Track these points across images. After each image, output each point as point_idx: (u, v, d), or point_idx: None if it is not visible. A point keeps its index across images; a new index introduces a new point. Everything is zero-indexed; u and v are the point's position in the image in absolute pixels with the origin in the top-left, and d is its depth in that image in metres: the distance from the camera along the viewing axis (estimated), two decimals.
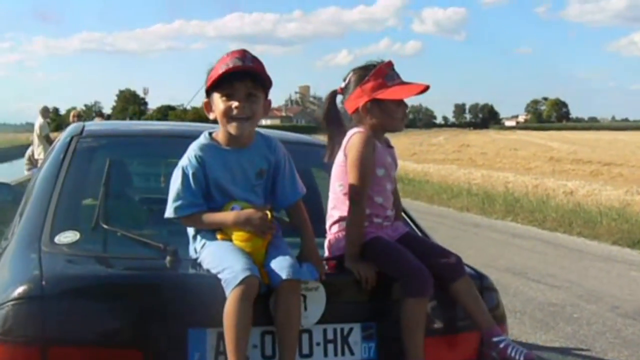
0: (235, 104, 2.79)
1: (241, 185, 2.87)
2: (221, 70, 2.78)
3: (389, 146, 3.30)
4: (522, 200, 17.14)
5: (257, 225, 2.73)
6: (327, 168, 3.32)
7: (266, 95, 2.90)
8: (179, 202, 2.81)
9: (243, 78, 2.80)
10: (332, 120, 3.29)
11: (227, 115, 2.81)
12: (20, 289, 2.47)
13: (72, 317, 2.47)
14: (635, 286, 8.93)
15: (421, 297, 2.86)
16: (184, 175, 2.81)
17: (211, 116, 2.90)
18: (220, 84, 2.81)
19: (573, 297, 8.20)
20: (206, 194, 2.84)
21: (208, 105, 2.91)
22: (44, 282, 2.49)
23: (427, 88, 3.18)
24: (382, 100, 3.14)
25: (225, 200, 2.84)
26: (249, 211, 2.76)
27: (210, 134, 2.92)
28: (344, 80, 3.26)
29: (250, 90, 2.82)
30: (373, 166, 3.11)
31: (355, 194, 3.07)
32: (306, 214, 3.00)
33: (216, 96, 2.84)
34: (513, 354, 2.88)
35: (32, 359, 2.44)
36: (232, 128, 2.82)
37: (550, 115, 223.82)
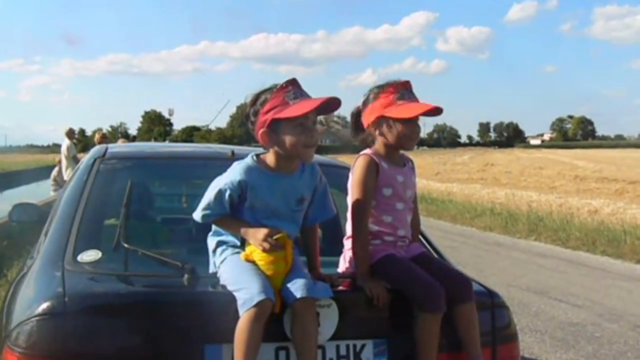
0: (312, 133, 2.88)
1: (279, 211, 2.93)
2: (301, 105, 2.83)
3: (404, 165, 3.33)
4: (546, 220, 17.06)
5: (262, 243, 2.78)
6: (344, 189, 3.40)
7: None
8: (207, 212, 2.91)
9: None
10: (360, 135, 3.35)
11: (304, 144, 2.87)
12: (44, 306, 2.56)
13: (93, 333, 2.55)
14: None
15: (435, 312, 2.91)
16: (220, 192, 2.88)
17: (270, 146, 2.91)
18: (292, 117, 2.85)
19: (594, 316, 8.17)
20: (238, 210, 2.91)
21: (267, 135, 2.90)
22: (66, 299, 2.57)
23: (436, 109, 3.20)
24: (390, 118, 3.20)
25: (255, 220, 2.89)
26: (264, 229, 2.82)
27: (257, 156, 2.98)
28: (365, 96, 3.32)
29: (314, 119, 2.92)
30: (373, 188, 3.17)
31: (353, 215, 3.16)
32: (318, 234, 3.11)
33: (288, 127, 2.85)
34: None
35: None
36: (307, 156, 2.91)
37: (576, 134, 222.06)
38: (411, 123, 3.21)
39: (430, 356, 2.92)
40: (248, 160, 2.96)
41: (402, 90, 3.23)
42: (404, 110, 3.18)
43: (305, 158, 2.93)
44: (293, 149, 2.87)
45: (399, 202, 3.26)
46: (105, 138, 15.69)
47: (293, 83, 2.91)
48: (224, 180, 2.90)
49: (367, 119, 3.27)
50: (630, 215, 17.68)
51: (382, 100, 3.21)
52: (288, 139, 2.85)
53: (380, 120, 3.21)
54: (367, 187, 3.15)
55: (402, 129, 3.20)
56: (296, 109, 2.83)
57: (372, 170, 3.17)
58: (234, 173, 2.91)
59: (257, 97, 2.95)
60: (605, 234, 14.45)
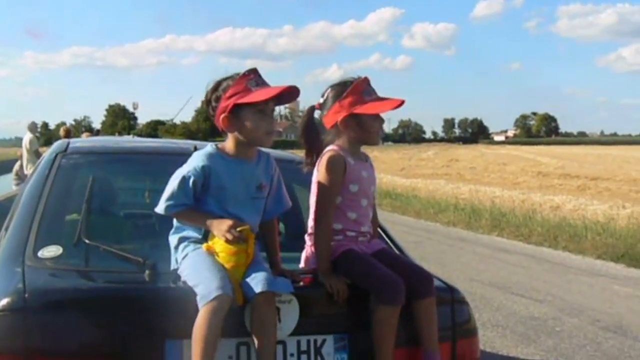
0: (271, 120, 2.96)
1: (240, 197, 2.97)
2: (263, 91, 2.91)
3: (366, 160, 3.37)
4: (509, 215, 17.21)
5: (225, 234, 2.80)
6: (307, 184, 3.41)
7: None
8: (171, 202, 2.91)
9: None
10: (310, 135, 3.36)
11: (265, 130, 2.94)
12: (4, 302, 2.55)
13: (54, 329, 2.55)
14: (617, 299, 9.03)
15: (393, 305, 2.94)
16: (184, 179, 2.90)
17: (230, 130, 2.97)
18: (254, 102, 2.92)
19: (555, 310, 8.27)
20: (202, 200, 2.93)
21: (228, 120, 2.96)
22: (27, 295, 2.56)
23: (402, 103, 3.26)
24: (360, 115, 3.23)
25: (219, 209, 2.92)
26: (228, 221, 2.84)
27: (216, 145, 3.03)
28: (322, 96, 3.34)
29: (273, 108, 3.00)
30: (340, 185, 3.19)
31: (317, 211, 3.18)
32: (277, 228, 3.15)
33: (249, 112, 2.92)
34: None
35: None
36: (268, 142, 2.99)
37: (540, 130, 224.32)
38: (379, 118, 3.29)
39: (387, 350, 2.94)
40: (208, 148, 3.01)
41: (366, 87, 3.27)
42: (375, 107, 3.23)
43: (265, 144, 3.02)
44: (254, 134, 2.94)
45: (363, 198, 3.28)
46: (70, 133, 15.59)
47: (254, 72, 2.99)
48: (186, 168, 2.93)
49: (332, 119, 3.28)
50: (592, 211, 17.90)
51: (349, 99, 3.23)
52: (249, 124, 2.93)
53: (349, 119, 3.23)
54: (334, 183, 3.17)
55: (372, 125, 3.27)
56: (258, 95, 2.91)
57: (340, 166, 3.19)
58: (196, 160, 2.95)
59: (219, 83, 3.02)
60: (567, 229, 14.61)
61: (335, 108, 3.27)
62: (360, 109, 3.22)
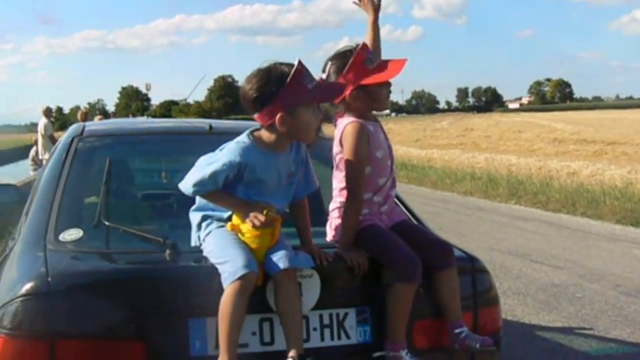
0: (319, 115, 2.99)
1: (272, 187, 2.95)
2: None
3: (376, 121, 3.32)
4: (526, 183, 17.19)
5: (252, 219, 2.78)
6: (323, 160, 3.41)
7: None
8: (198, 187, 2.88)
9: None
10: None
11: (315, 126, 2.97)
12: (27, 286, 2.57)
13: (77, 311, 2.57)
14: (637, 264, 9.01)
15: (410, 283, 2.93)
16: (216, 172, 2.85)
17: (282, 128, 2.86)
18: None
19: (576, 277, 8.26)
20: (230, 186, 2.90)
21: (285, 119, 2.86)
22: (50, 279, 2.58)
23: (405, 62, 3.24)
24: (367, 86, 3.19)
25: (248, 197, 2.90)
26: (255, 204, 2.84)
27: (252, 134, 2.97)
28: (323, 71, 3.27)
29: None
30: (369, 154, 3.17)
31: (352, 185, 3.14)
32: (307, 208, 3.12)
33: (307, 110, 2.90)
34: (471, 343, 2.99)
35: (40, 353, 2.54)
36: (315, 138, 3.03)
37: (554, 96, 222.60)
38: (387, 84, 3.26)
39: (400, 326, 2.94)
40: (245, 139, 2.94)
41: (367, 55, 3.23)
42: (382, 75, 3.20)
43: (313, 141, 3.06)
44: (308, 131, 2.95)
45: (389, 159, 3.27)
46: (87, 116, 15.59)
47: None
48: (222, 160, 2.87)
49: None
50: (609, 176, 17.87)
51: (352, 72, 3.19)
52: (304, 122, 2.92)
53: (357, 91, 3.20)
54: (362, 153, 3.14)
55: (380, 93, 3.24)
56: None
57: (364, 136, 3.15)
58: (232, 154, 2.88)
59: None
60: (585, 195, 14.57)
61: (341, 82, 3.22)
62: (367, 80, 3.19)
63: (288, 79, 2.83)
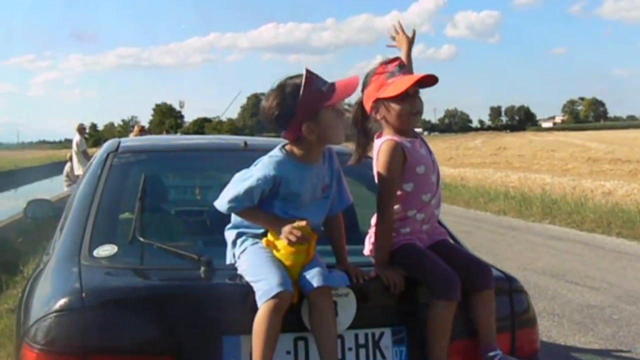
0: (344, 118, 3.00)
1: (307, 201, 2.93)
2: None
3: (416, 137, 3.22)
4: (560, 202, 17.02)
5: (288, 235, 2.77)
6: (354, 175, 3.37)
7: None
8: (234, 204, 2.88)
9: None
10: (359, 126, 3.29)
11: (341, 128, 2.97)
12: (61, 302, 2.56)
13: (111, 327, 2.56)
14: None
15: (450, 300, 2.89)
16: (251, 188, 2.85)
17: (311, 137, 2.88)
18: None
19: (612, 298, 8.14)
20: (266, 202, 2.90)
21: (310, 127, 2.87)
22: (84, 295, 2.57)
23: (429, 77, 3.11)
24: (386, 99, 3.12)
25: (284, 212, 2.89)
26: (291, 221, 2.81)
27: (284, 147, 2.97)
28: (363, 84, 3.22)
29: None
30: (408, 170, 3.10)
31: (380, 205, 3.12)
32: (342, 224, 3.09)
33: (328, 112, 2.88)
34: None
35: None
36: (343, 139, 3.03)
37: (588, 115, 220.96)
38: (409, 98, 3.11)
39: (441, 345, 2.90)
40: (278, 153, 2.94)
41: (392, 68, 3.15)
42: (394, 88, 3.09)
43: (341, 143, 3.06)
44: (337, 135, 2.94)
45: (432, 174, 3.19)
46: (144, 129, 15.36)
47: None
48: (256, 175, 2.87)
49: (367, 106, 3.21)
50: None
51: (374, 84, 3.15)
52: (330, 126, 2.90)
53: (378, 104, 3.15)
54: (394, 173, 3.09)
55: (399, 107, 3.11)
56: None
57: (398, 154, 3.09)
58: (267, 168, 2.87)
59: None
60: (620, 215, 14.40)
61: (365, 96, 3.20)
62: (382, 93, 3.13)
63: (301, 89, 2.83)
